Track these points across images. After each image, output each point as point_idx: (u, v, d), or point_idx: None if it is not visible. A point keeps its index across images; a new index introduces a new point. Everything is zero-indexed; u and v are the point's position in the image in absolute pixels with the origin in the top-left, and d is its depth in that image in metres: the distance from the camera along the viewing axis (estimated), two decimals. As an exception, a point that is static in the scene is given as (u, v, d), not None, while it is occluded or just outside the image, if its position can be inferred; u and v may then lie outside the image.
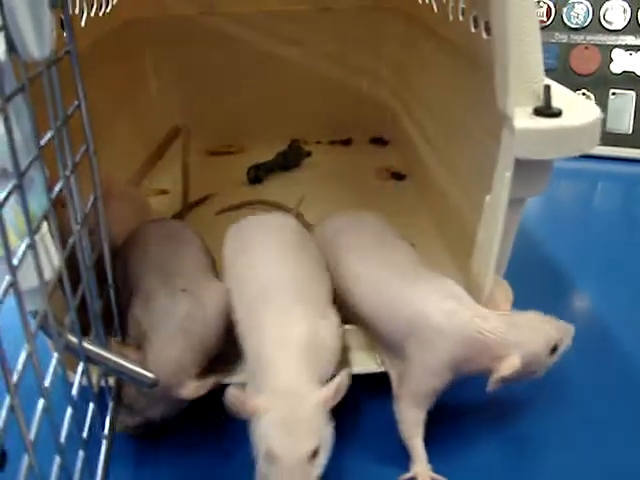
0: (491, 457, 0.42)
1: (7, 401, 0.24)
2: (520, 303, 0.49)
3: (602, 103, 0.85)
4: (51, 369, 0.31)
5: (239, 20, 0.84)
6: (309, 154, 0.85)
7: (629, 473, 0.41)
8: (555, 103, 0.38)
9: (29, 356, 0.27)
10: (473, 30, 0.49)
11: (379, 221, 0.50)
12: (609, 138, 0.86)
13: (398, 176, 0.78)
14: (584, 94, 0.86)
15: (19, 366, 0.26)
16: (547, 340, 0.39)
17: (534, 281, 0.60)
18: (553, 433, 0.43)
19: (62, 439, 0.30)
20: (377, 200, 0.71)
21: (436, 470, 0.39)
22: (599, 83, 0.85)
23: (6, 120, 0.26)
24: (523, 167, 0.38)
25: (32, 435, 0.26)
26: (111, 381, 0.42)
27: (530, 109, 0.38)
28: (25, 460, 0.26)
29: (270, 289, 0.41)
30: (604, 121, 0.85)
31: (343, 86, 0.88)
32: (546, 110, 0.37)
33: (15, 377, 0.25)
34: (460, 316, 0.39)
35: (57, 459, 0.30)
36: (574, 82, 0.85)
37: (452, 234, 0.58)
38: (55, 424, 0.30)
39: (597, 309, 0.57)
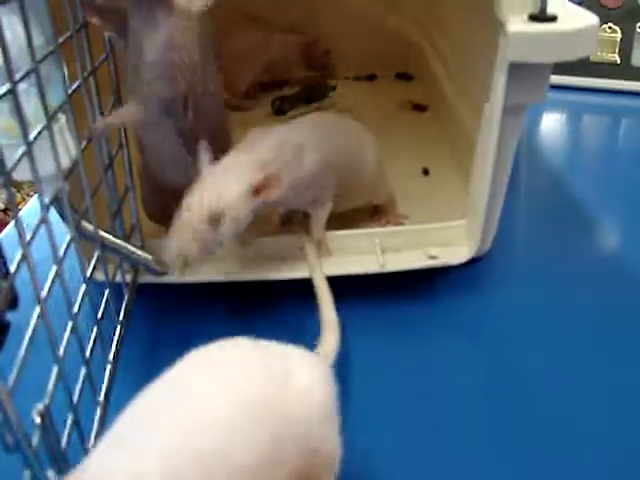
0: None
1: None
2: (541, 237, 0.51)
3: (628, 38, 0.84)
4: (63, 248, 0.34)
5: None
6: (334, 88, 0.86)
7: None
8: (552, 10, 0.39)
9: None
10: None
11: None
12: (635, 73, 0.84)
13: (420, 107, 0.79)
14: (610, 27, 0.84)
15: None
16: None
17: (557, 218, 0.61)
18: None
19: (75, 309, 0.34)
20: (397, 129, 0.72)
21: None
22: (626, 17, 0.83)
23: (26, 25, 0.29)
24: (518, 72, 0.39)
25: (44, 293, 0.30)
26: (127, 277, 0.45)
27: (526, 16, 0.39)
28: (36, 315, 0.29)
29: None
30: (629, 56, 0.84)
31: (370, 22, 0.88)
32: (541, 16, 0.39)
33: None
34: None
35: (69, 324, 0.33)
36: (601, 15, 0.83)
37: (463, 157, 0.60)
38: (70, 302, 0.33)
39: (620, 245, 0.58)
